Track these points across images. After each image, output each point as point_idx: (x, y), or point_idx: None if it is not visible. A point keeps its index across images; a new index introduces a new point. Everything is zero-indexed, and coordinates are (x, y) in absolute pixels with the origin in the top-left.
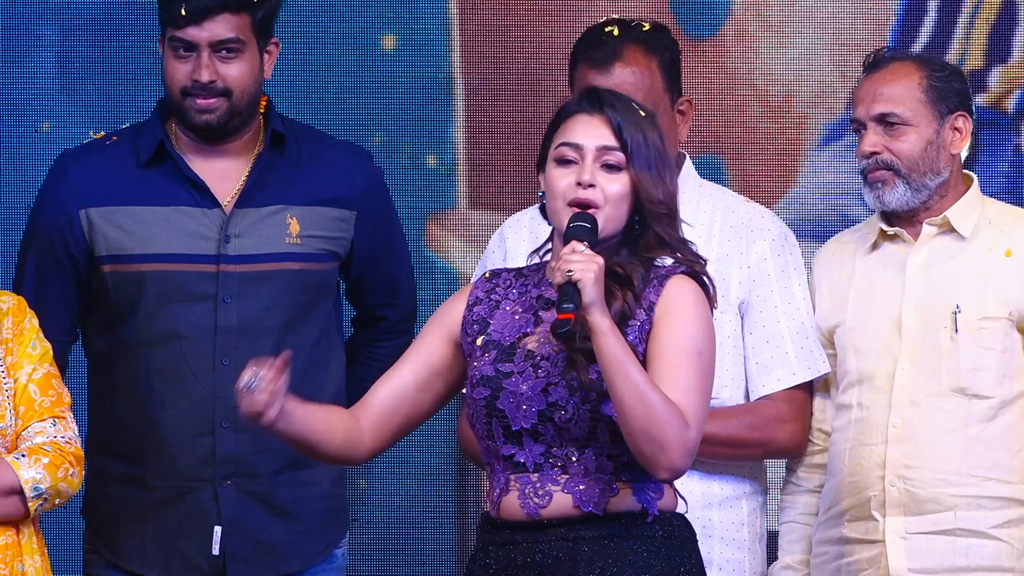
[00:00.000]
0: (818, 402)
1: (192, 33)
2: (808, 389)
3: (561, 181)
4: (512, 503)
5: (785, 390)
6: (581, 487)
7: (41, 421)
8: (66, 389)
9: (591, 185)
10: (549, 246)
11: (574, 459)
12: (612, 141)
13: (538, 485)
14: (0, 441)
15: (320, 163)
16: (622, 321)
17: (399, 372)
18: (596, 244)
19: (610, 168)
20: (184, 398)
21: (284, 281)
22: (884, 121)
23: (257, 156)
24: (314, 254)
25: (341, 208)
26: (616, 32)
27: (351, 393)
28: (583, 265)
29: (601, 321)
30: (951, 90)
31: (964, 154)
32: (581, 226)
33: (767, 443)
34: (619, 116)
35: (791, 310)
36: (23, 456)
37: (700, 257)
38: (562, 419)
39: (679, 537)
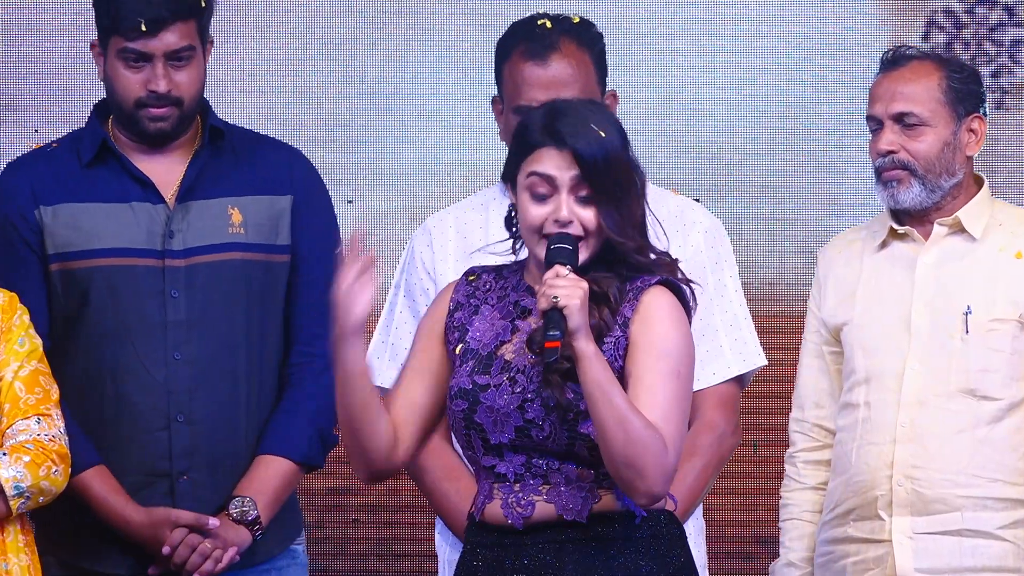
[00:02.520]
0: (816, 397)
1: (147, 44)
2: (739, 382)
3: (535, 213)
4: (496, 511)
5: (715, 389)
6: (564, 497)
7: (25, 419)
8: (55, 386)
9: (569, 222)
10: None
11: (555, 469)
12: (577, 173)
13: (520, 496)
14: None
15: (256, 157)
16: (598, 337)
17: (409, 387)
18: (577, 266)
19: (584, 201)
20: (138, 393)
21: (230, 271)
22: (902, 120)
23: (196, 151)
24: (259, 244)
25: (279, 195)
26: (549, 25)
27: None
28: (568, 291)
29: (586, 347)
30: (969, 91)
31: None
32: (562, 248)
33: (722, 460)
34: (581, 146)
35: (724, 303)
36: (3, 455)
37: (676, 267)
38: (539, 436)
39: (667, 535)
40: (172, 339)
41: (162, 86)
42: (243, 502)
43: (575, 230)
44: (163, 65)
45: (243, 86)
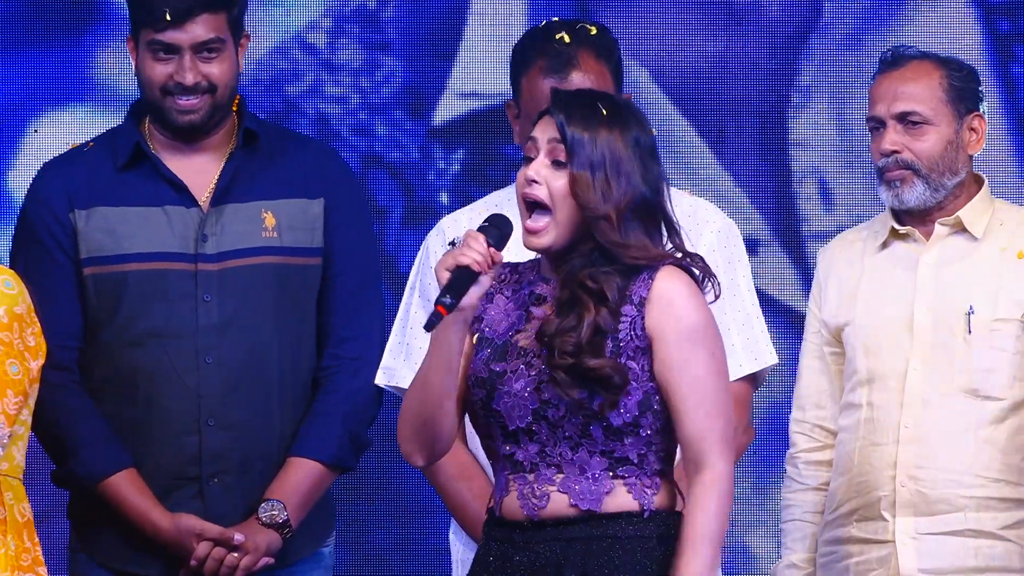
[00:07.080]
0: (817, 398)
1: (173, 36)
2: (752, 380)
3: (520, 177)
4: (512, 504)
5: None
6: (576, 486)
7: None
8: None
9: (535, 181)
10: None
11: (568, 457)
12: (557, 135)
13: (535, 485)
14: None
15: (290, 159)
16: (600, 334)
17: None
18: (501, 247)
19: (558, 164)
20: (169, 397)
21: (263, 275)
22: (905, 120)
23: (231, 154)
24: (292, 248)
25: (312, 198)
26: (567, 38)
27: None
28: (472, 253)
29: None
30: (969, 90)
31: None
32: (489, 227)
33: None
34: (565, 112)
35: (736, 302)
36: None
37: (653, 258)
38: (555, 416)
39: (674, 537)
40: (203, 343)
41: (189, 78)
42: (272, 505)
43: (539, 191)
44: (191, 57)
45: (242, 87)
